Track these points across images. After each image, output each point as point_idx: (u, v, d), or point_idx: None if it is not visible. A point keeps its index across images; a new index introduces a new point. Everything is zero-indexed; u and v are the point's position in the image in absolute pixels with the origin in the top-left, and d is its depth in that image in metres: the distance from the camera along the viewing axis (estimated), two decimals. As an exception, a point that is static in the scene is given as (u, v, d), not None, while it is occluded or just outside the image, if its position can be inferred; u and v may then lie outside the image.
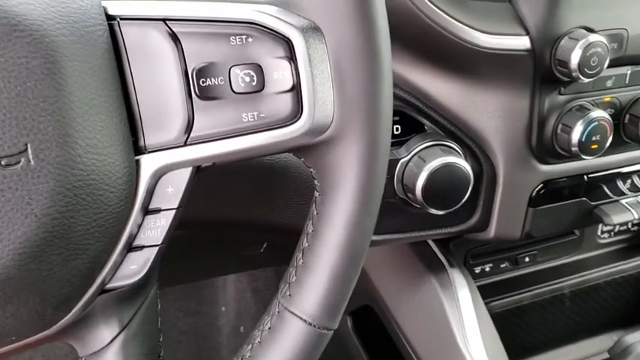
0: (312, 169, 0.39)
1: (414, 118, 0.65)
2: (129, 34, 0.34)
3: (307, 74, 0.35)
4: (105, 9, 0.33)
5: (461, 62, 0.62)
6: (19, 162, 0.30)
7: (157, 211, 0.36)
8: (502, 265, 0.85)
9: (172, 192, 0.36)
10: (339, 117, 0.36)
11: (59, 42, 0.31)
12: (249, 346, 0.40)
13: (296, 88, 0.35)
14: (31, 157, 0.30)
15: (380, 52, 0.35)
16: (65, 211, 0.31)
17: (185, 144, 0.35)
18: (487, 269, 0.84)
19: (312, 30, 0.35)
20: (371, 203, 0.38)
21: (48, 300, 0.33)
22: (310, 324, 0.38)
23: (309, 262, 0.39)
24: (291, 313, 0.39)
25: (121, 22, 0.34)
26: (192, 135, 0.35)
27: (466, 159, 0.65)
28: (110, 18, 0.34)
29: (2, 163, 0.29)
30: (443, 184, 0.62)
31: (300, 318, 0.38)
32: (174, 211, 0.37)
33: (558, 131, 0.66)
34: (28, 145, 0.30)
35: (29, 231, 0.30)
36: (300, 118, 0.36)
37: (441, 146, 0.64)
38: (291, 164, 0.61)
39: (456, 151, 0.65)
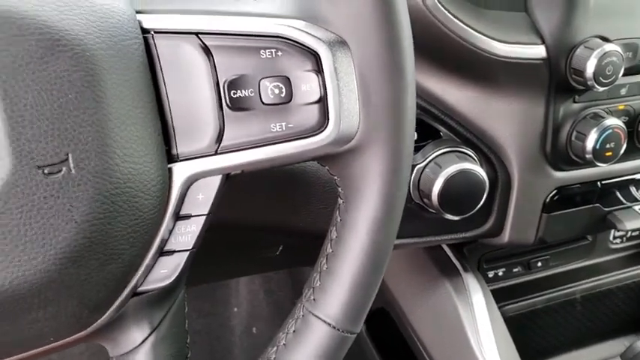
0: (336, 177, 0.40)
1: (430, 125, 0.66)
2: (162, 46, 0.35)
3: (334, 86, 0.36)
4: (140, 22, 0.35)
5: (477, 70, 0.63)
6: (60, 171, 0.31)
7: (188, 217, 0.37)
8: (515, 270, 0.85)
9: (203, 199, 0.38)
10: (364, 127, 0.37)
11: (98, 56, 0.32)
12: (274, 348, 0.41)
13: (323, 100, 0.37)
14: (72, 166, 0.31)
15: (404, 65, 0.37)
16: (103, 217, 0.33)
17: (216, 153, 0.36)
18: (500, 273, 0.85)
19: (338, 44, 0.36)
20: (394, 211, 0.39)
21: (85, 303, 0.35)
22: (334, 327, 0.40)
23: (333, 267, 0.40)
24: (316, 316, 0.40)
25: (155, 35, 0.35)
26: (222, 144, 0.36)
27: (481, 165, 0.66)
28: (145, 31, 0.35)
29: (45, 171, 0.31)
30: (459, 190, 0.63)
31: (324, 322, 0.40)
32: (204, 217, 0.38)
33: (573, 138, 0.67)
34: (69, 154, 0.31)
35: (69, 237, 0.32)
36: (326, 128, 0.37)
37: (456, 152, 0.65)
38: (310, 170, 0.62)
39: (472, 157, 0.67)
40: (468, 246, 0.79)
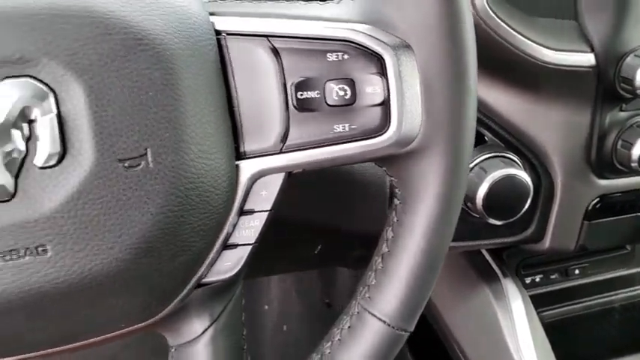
0: (393, 178, 0.41)
1: (476, 130, 0.67)
2: (234, 48, 0.36)
3: (397, 89, 0.37)
4: (213, 24, 0.36)
5: (525, 77, 0.63)
6: (139, 165, 0.33)
7: (251, 212, 0.39)
8: (552, 276, 0.85)
9: (266, 195, 0.39)
10: (425, 130, 0.38)
11: (177, 55, 0.34)
12: (329, 343, 0.42)
13: (386, 102, 0.38)
14: (150, 160, 0.33)
15: (468, 70, 0.37)
16: (177, 210, 0.34)
17: (281, 151, 0.38)
18: (537, 280, 0.85)
19: (403, 48, 0.37)
20: (451, 212, 0.40)
21: (155, 292, 0.36)
22: (389, 325, 0.41)
23: (389, 266, 0.41)
24: (371, 314, 0.41)
25: (227, 37, 0.36)
26: (287, 143, 0.38)
27: (525, 171, 0.67)
28: (217, 33, 0.36)
29: (125, 165, 0.32)
30: (503, 195, 0.63)
31: (380, 319, 0.41)
32: (267, 213, 0.39)
33: (618, 147, 0.67)
34: (148, 149, 0.33)
35: (145, 228, 0.33)
36: (388, 129, 0.38)
37: (501, 158, 0.66)
38: (357, 170, 0.63)
39: (516, 162, 0.67)
40: (507, 251, 0.80)
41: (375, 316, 0.41)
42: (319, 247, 0.87)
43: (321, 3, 0.40)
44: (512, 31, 0.60)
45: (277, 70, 0.37)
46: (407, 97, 0.37)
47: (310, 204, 0.64)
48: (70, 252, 0.32)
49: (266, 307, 1.35)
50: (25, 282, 0.31)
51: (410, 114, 0.38)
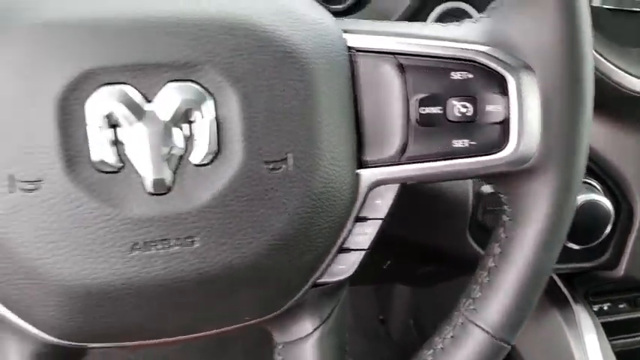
0: (503, 195, 0.43)
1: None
2: (362, 64, 0.39)
3: (518, 109, 0.39)
4: (346, 41, 0.39)
5: (610, 104, 0.64)
6: (281, 168, 0.35)
7: (365, 219, 0.41)
8: (620, 306, 0.85)
9: (380, 204, 0.41)
10: (542, 149, 0.40)
11: (317, 69, 0.36)
12: (431, 351, 0.44)
13: (506, 121, 0.39)
14: (290, 164, 0.35)
15: (586, 93, 0.39)
16: (309, 212, 0.36)
17: (399, 162, 0.40)
18: (605, 308, 0.84)
19: (524, 69, 0.39)
20: (560, 231, 0.41)
21: (280, 287, 0.38)
22: (493, 336, 0.42)
23: (496, 281, 0.42)
24: (476, 325, 0.42)
25: (356, 53, 0.39)
26: (406, 155, 0.40)
27: (605, 197, 0.67)
28: (348, 49, 0.39)
29: (270, 167, 0.35)
30: (585, 220, 0.64)
31: (484, 330, 0.42)
32: (380, 221, 0.41)
33: (701, 178, 0.67)
34: (289, 154, 0.35)
35: (281, 227, 0.36)
36: (505, 148, 0.40)
37: (583, 183, 0.67)
38: (442, 185, 0.65)
39: (597, 188, 0.68)
40: (578, 277, 0.80)
41: (479, 327, 0.42)
42: (388, 263, 0.88)
43: (442, 25, 0.42)
44: (603, 60, 0.61)
45: (402, 85, 0.39)
46: (526, 117, 0.39)
47: (393, 217, 0.66)
48: (215, 244, 0.34)
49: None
50: (173, 270, 0.34)
51: (528, 134, 0.39)
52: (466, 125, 0.40)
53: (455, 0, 0.65)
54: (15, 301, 0.34)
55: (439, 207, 0.66)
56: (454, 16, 0.66)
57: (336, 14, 0.44)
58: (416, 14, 0.64)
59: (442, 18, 0.65)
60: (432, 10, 0.64)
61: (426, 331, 1.15)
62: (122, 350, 0.41)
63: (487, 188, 0.66)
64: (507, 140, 0.40)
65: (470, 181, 0.65)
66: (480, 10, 0.67)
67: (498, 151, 0.40)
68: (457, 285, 1.17)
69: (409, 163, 0.40)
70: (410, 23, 0.41)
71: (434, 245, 0.71)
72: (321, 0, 0.66)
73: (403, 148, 0.40)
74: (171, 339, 0.38)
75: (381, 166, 0.40)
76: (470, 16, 0.67)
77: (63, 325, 0.35)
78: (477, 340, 0.42)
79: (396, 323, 1.22)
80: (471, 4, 0.66)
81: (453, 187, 0.65)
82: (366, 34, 0.39)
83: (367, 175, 0.40)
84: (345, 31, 0.39)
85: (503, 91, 0.39)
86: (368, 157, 0.40)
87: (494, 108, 0.39)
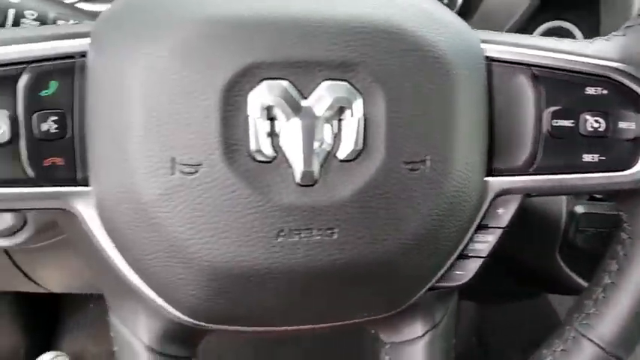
0: (624, 213, 0.43)
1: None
2: (498, 73, 0.39)
3: None
4: (484, 51, 0.39)
5: None
6: (419, 169, 0.36)
7: (486, 227, 0.41)
8: None
9: (502, 213, 0.41)
10: None
11: (459, 76, 0.37)
12: None
13: (637, 139, 0.39)
14: (428, 166, 0.36)
15: None
16: (441, 215, 0.37)
17: (527, 173, 0.40)
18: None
19: None
20: None
21: (404, 286, 0.39)
22: (605, 351, 0.42)
23: (613, 297, 0.42)
24: (589, 339, 0.42)
25: (493, 63, 0.40)
26: (534, 166, 0.40)
27: None
28: (485, 59, 0.39)
29: (409, 167, 0.36)
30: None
31: (597, 345, 0.42)
32: (500, 231, 0.42)
33: None
34: (428, 156, 0.36)
35: (414, 226, 0.36)
36: (635, 165, 0.40)
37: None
38: (535, 201, 0.64)
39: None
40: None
41: (592, 341, 0.42)
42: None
43: (573, 40, 0.42)
44: None
45: (536, 97, 0.39)
46: None
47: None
48: (352, 238, 0.35)
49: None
50: (313, 259, 0.35)
51: None
52: (597, 140, 0.40)
53: (561, 20, 0.66)
54: (158, 278, 0.36)
55: (530, 222, 0.66)
56: (558, 34, 0.66)
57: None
58: (524, 28, 0.64)
59: (546, 35, 0.66)
60: (538, 25, 0.64)
61: (490, 349, 1.14)
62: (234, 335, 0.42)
63: (580, 208, 0.65)
64: (637, 158, 0.40)
65: (564, 199, 0.65)
66: (583, 31, 0.67)
67: (627, 169, 0.40)
68: (528, 304, 1.14)
69: (537, 174, 0.40)
70: (544, 37, 0.42)
71: (520, 261, 0.71)
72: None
73: (532, 159, 0.40)
74: (293, 327, 0.40)
75: (508, 175, 0.40)
76: (573, 37, 0.67)
77: (200, 306, 0.37)
78: (590, 354, 0.42)
79: (492, 342, 1.20)
80: (575, 25, 0.66)
81: (546, 203, 0.64)
82: (503, 45, 0.40)
83: (495, 182, 0.40)
84: (483, 41, 0.40)
85: (637, 108, 0.39)
86: (497, 165, 0.40)
87: (626, 125, 0.39)
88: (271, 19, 0.34)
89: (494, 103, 0.40)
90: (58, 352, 1.10)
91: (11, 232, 0.63)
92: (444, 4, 0.72)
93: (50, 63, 0.35)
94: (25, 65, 0.34)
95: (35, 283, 0.80)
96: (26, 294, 0.92)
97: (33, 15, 0.46)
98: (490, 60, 0.39)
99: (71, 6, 0.49)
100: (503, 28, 0.64)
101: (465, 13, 0.71)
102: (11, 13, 0.45)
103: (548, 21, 0.66)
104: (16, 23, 0.45)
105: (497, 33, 0.41)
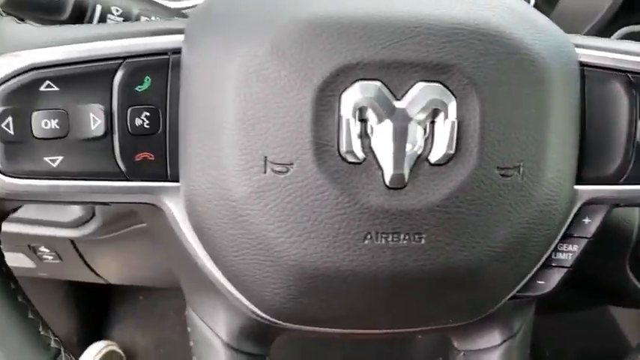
0: None
1: None
2: (592, 79, 0.38)
3: None
4: (577, 55, 0.38)
5: None
6: (511, 175, 0.35)
7: (572, 236, 0.40)
8: None
9: (588, 223, 0.40)
10: None
11: (554, 81, 0.36)
12: None
13: None
14: (521, 172, 0.35)
15: None
16: (531, 223, 0.36)
17: (617, 183, 0.39)
18: None
19: None
20: None
21: (489, 294, 0.38)
22: None
23: None
24: None
25: (586, 68, 0.38)
26: (624, 176, 0.39)
27: None
28: (580, 64, 0.38)
29: (501, 173, 0.35)
30: None
31: None
32: (586, 241, 0.40)
33: None
34: (522, 162, 0.35)
35: (503, 234, 0.36)
36: None
37: None
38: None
39: None
40: None
41: None
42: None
43: None
44: None
45: (630, 105, 0.38)
46: None
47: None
48: (440, 244, 0.35)
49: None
50: (399, 264, 0.35)
51: None
52: None
53: (641, 24, 0.64)
54: (242, 276, 0.36)
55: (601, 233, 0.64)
56: (638, 39, 0.64)
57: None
58: (603, 31, 0.62)
59: (625, 39, 0.64)
60: (618, 29, 0.62)
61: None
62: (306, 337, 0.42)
63: (655, 220, 0.63)
64: None
65: (637, 211, 0.63)
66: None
67: None
68: (582, 313, 1.11)
69: (627, 184, 0.39)
70: (638, 43, 0.41)
71: (585, 271, 0.69)
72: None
73: (623, 169, 0.39)
74: (372, 331, 0.39)
75: (598, 183, 0.39)
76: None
77: (283, 305, 0.36)
78: None
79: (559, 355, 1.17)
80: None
81: (619, 214, 0.63)
82: (597, 50, 0.39)
83: (584, 191, 0.39)
84: (577, 45, 0.39)
85: None
86: (586, 173, 0.39)
87: None
88: (366, 20, 0.34)
89: (587, 109, 0.38)
90: (109, 342, 1.12)
91: (79, 224, 0.65)
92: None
93: (145, 59, 0.35)
94: (121, 60, 0.35)
95: (95, 273, 0.82)
96: (80, 283, 0.94)
97: (118, 11, 0.46)
98: (584, 65, 0.38)
99: (153, 2, 0.50)
100: (581, 30, 0.63)
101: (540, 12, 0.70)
102: (98, 8, 0.46)
103: (630, 24, 0.64)
104: (103, 19, 0.46)
105: (590, 37, 0.40)
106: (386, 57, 0.33)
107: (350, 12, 0.34)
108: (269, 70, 0.33)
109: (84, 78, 0.34)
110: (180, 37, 0.36)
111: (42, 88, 0.34)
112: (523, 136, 0.35)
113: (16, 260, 0.78)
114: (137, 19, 0.47)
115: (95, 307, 1.19)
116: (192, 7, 0.67)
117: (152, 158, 0.35)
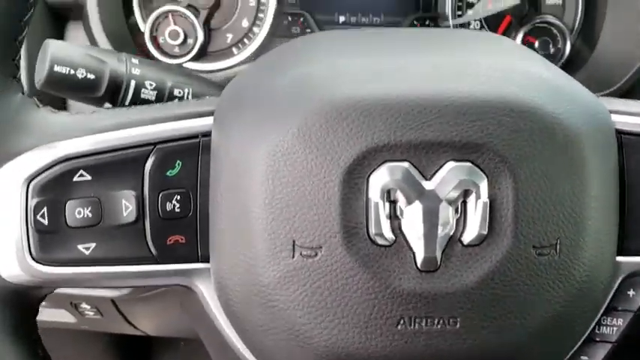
0: None
1: None
2: (630, 146, 0.37)
3: None
4: (614, 124, 0.37)
5: None
6: (548, 253, 0.34)
7: (616, 309, 0.38)
8: None
9: (633, 295, 0.38)
10: None
11: (591, 155, 0.35)
12: None
13: None
14: (558, 251, 0.34)
15: None
16: (569, 301, 0.35)
17: None
18: None
19: None
20: None
21: None
22: None
23: None
24: None
25: (624, 136, 0.37)
26: None
27: None
28: (617, 132, 0.37)
29: (538, 252, 0.34)
30: None
31: None
32: (631, 314, 0.39)
33: None
34: (559, 240, 0.34)
35: (541, 314, 0.34)
36: None
37: None
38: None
39: None
40: None
41: None
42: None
43: None
44: None
45: None
46: None
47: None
48: (476, 327, 0.34)
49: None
50: (434, 349, 0.34)
51: None
52: None
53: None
54: (269, 355, 0.36)
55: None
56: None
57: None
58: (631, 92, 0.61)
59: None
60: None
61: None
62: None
63: None
64: None
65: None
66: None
67: None
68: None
69: None
70: None
71: None
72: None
73: None
74: None
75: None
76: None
77: None
78: None
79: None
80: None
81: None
82: (634, 116, 0.38)
83: (626, 263, 0.37)
84: (612, 112, 0.37)
85: None
86: (629, 244, 0.37)
87: None
88: (391, 101, 0.33)
89: (627, 178, 0.37)
90: (151, 390, 1.13)
91: (118, 284, 0.66)
92: (550, 55, 0.70)
93: (176, 143, 0.35)
94: (152, 146, 0.35)
95: (134, 327, 0.82)
96: (121, 334, 0.95)
97: (152, 85, 0.47)
98: (621, 133, 0.37)
99: (186, 73, 0.51)
100: (614, 83, 0.61)
101: (572, 64, 0.69)
102: (132, 84, 0.47)
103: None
104: (137, 93, 0.47)
105: (626, 101, 0.39)
106: (413, 138, 0.33)
107: (374, 93, 0.34)
108: (296, 155, 0.33)
109: (116, 165, 0.35)
110: (210, 120, 0.36)
111: (75, 178, 0.34)
112: (559, 212, 0.34)
113: (58, 316, 0.79)
114: (170, 91, 0.48)
115: (136, 357, 1.19)
116: (226, 68, 0.69)
117: (183, 241, 0.36)
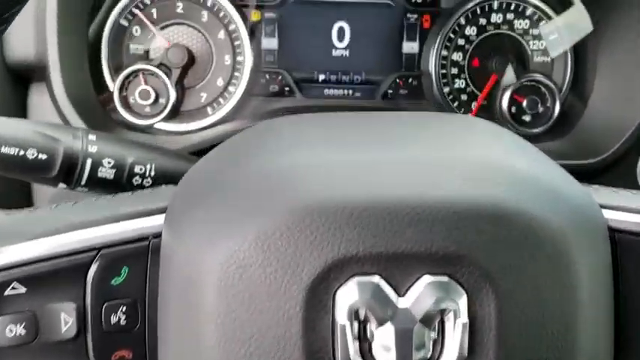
0: None
1: None
2: (624, 244, 0.34)
3: None
4: (606, 221, 0.34)
5: None
6: None
7: None
8: None
9: None
10: None
11: (582, 262, 0.31)
12: None
13: None
14: None
15: None
16: None
17: None
18: None
19: None
20: None
21: None
22: None
23: None
24: None
25: (617, 234, 0.34)
26: None
27: None
28: (609, 229, 0.34)
29: None
30: None
31: None
32: None
33: None
34: (547, 358, 0.30)
35: None
36: None
37: None
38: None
39: None
40: None
41: None
42: None
43: None
44: None
45: None
46: None
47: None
48: None
49: None
50: None
51: None
52: None
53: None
54: None
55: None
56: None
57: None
58: (631, 149, 0.58)
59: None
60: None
61: None
62: None
63: None
64: None
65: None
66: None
67: None
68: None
69: None
70: None
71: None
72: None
73: None
74: None
75: None
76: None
77: None
78: None
79: None
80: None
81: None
82: (628, 212, 0.34)
83: None
84: (602, 206, 0.34)
85: None
86: (625, 356, 0.34)
87: None
88: (361, 206, 0.30)
89: (621, 281, 0.34)
90: None
91: None
92: (539, 115, 0.67)
93: (123, 247, 0.32)
94: (96, 252, 0.32)
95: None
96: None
97: (110, 163, 0.44)
98: (614, 231, 0.34)
99: (149, 147, 0.47)
100: (606, 149, 0.59)
101: (561, 124, 0.66)
102: (88, 162, 0.43)
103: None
104: (94, 172, 0.44)
105: (616, 192, 0.36)
106: (384, 248, 0.29)
107: (342, 198, 0.30)
108: (253, 267, 0.30)
109: (54, 275, 0.31)
110: (160, 219, 0.33)
111: (7, 292, 0.31)
112: (547, 330, 0.31)
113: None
114: (131, 168, 0.45)
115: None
116: (200, 129, 0.65)
117: (130, 357, 0.32)
